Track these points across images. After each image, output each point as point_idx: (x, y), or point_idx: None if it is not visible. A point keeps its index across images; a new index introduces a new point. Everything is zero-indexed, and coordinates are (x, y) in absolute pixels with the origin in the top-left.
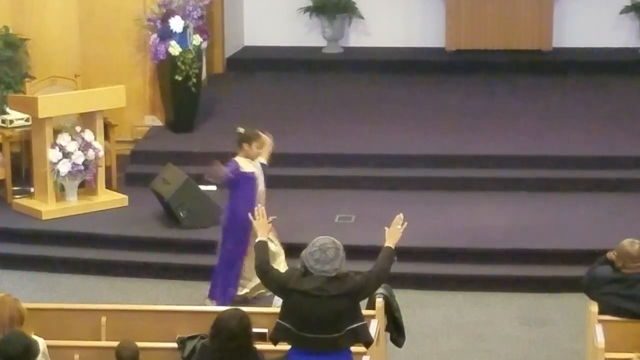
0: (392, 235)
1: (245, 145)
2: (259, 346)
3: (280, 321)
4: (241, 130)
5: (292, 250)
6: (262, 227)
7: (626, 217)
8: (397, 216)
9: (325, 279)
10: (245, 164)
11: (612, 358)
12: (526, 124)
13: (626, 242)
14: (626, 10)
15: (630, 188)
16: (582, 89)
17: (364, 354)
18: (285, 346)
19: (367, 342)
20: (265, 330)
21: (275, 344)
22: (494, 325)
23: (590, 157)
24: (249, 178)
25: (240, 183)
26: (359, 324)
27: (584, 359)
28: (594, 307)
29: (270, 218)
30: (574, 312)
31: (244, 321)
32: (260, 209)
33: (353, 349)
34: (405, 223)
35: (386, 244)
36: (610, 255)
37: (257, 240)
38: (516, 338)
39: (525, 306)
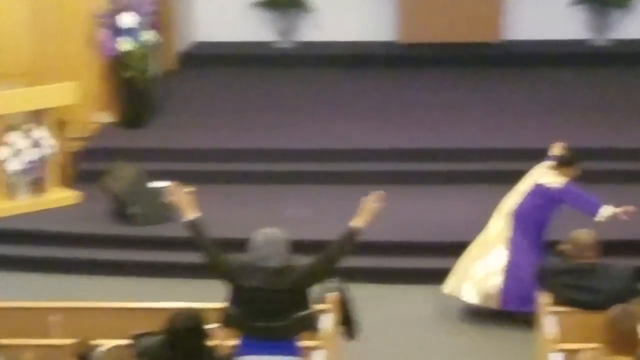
0: (366, 210)
1: (564, 170)
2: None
3: (228, 307)
4: (559, 151)
5: (242, 247)
6: (186, 203)
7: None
8: (378, 192)
9: (268, 273)
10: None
11: (564, 349)
12: (478, 117)
13: (578, 232)
14: (576, 2)
15: (582, 179)
16: (534, 81)
17: (319, 348)
18: None
19: (315, 330)
20: (216, 326)
21: (226, 327)
22: (447, 318)
23: (543, 149)
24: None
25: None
26: (305, 312)
27: (536, 350)
28: (546, 298)
29: (187, 189)
30: None
31: (194, 321)
32: (173, 185)
33: (307, 343)
34: (382, 202)
35: (354, 222)
36: (564, 246)
37: (187, 220)
38: (470, 330)
39: None
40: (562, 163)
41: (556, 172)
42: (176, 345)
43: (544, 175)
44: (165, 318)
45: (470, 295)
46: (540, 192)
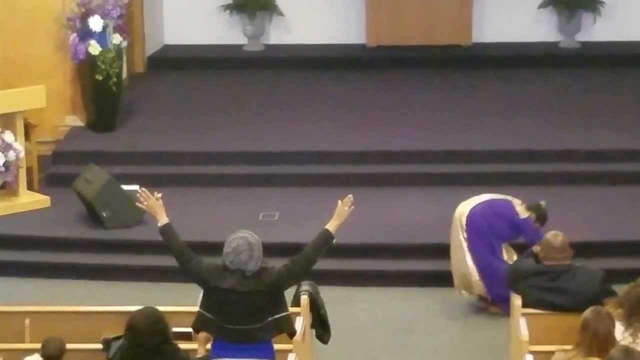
0: (339, 215)
1: (533, 217)
2: (185, 346)
3: (201, 310)
4: (543, 203)
5: (217, 249)
6: (158, 209)
7: (548, 211)
8: (347, 196)
9: (244, 275)
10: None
11: (536, 351)
12: (447, 119)
13: (549, 234)
14: (544, 4)
15: (551, 181)
16: (503, 83)
17: (290, 351)
18: None
19: (291, 333)
20: (190, 330)
21: (197, 332)
22: (419, 319)
23: (510, 151)
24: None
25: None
26: (281, 315)
27: (508, 352)
28: (518, 300)
29: (157, 194)
30: None
31: (151, 317)
32: (142, 190)
33: (279, 346)
34: (352, 206)
35: (327, 225)
36: (535, 248)
37: (160, 225)
38: (442, 332)
39: (450, 300)
40: (534, 209)
41: (524, 208)
42: (137, 344)
43: (516, 202)
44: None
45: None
46: (505, 206)
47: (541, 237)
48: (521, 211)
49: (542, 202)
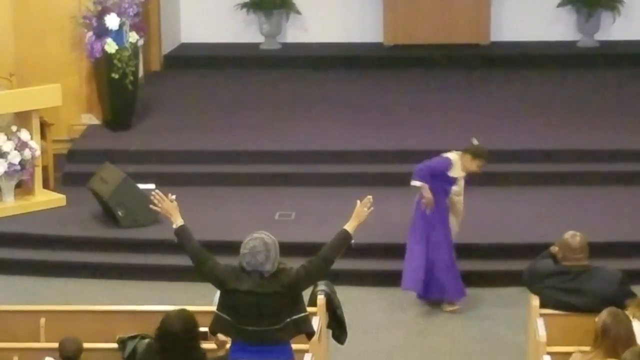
0: (358, 216)
1: (469, 157)
2: (203, 345)
3: (218, 312)
4: (475, 141)
5: (233, 249)
6: (172, 211)
7: (565, 211)
8: (367, 197)
9: (262, 277)
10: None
11: (554, 352)
12: (464, 119)
13: (567, 235)
14: (563, 3)
15: (569, 181)
16: (520, 83)
17: (306, 351)
18: None
19: (309, 333)
20: (206, 330)
21: (214, 334)
22: (435, 320)
23: (527, 150)
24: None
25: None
26: (299, 315)
27: (526, 353)
28: (535, 300)
29: (171, 197)
30: (515, 306)
31: (189, 322)
32: (156, 193)
33: (295, 346)
34: (372, 208)
35: (346, 226)
36: (553, 248)
37: (175, 227)
38: (458, 333)
39: (466, 301)
40: (469, 151)
41: (460, 153)
42: (168, 348)
43: (449, 154)
44: (153, 321)
45: None
46: (441, 162)
47: (424, 167)
48: (450, 155)
49: (474, 140)
